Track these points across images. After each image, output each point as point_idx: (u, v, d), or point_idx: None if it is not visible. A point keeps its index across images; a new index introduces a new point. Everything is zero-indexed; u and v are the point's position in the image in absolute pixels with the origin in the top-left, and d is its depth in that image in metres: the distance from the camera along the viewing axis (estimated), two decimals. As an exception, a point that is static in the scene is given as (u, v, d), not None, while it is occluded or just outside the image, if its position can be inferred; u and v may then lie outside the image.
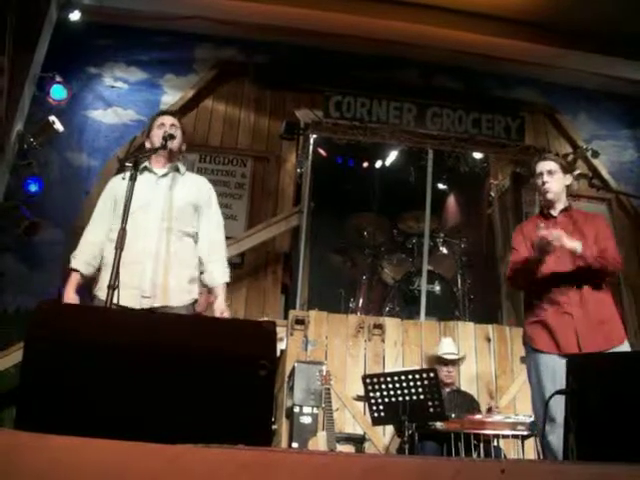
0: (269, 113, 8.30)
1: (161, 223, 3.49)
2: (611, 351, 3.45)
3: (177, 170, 3.73)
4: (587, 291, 3.57)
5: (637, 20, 6.57)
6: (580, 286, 3.57)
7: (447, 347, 5.59)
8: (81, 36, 7.08)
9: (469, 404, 5.22)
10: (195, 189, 3.72)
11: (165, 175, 3.66)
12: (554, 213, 3.81)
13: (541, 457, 3.94)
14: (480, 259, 8.31)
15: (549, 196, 3.77)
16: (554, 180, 3.75)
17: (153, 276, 3.37)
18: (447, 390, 5.28)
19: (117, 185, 3.71)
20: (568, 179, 3.82)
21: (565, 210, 3.81)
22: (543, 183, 3.76)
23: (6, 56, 5.94)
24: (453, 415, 4.71)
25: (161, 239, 3.45)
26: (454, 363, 5.42)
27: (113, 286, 3.01)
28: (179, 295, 3.45)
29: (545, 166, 3.78)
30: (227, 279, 3.63)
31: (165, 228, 3.49)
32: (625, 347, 3.52)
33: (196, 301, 3.58)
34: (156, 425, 1.88)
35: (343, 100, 7.44)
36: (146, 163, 3.66)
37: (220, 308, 3.50)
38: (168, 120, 3.77)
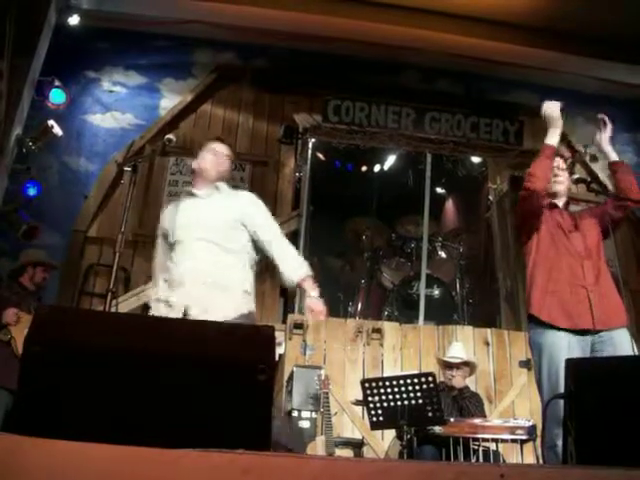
0: (268, 117, 8.30)
1: (204, 243, 3.49)
2: (616, 331, 3.49)
3: (217, 189, 3.72)
4: (602, 269, 3.68)
5: (636, 24, 6.59)
6: (595, 264, 3.67)
7: (453, 351, 5.55)
8: (80, 40, 7.07)
9: (472, 409, 5.17)
10: (237, 205, 3.69)
11: (205, 196, 3.66)
12: (559, 204, 3.90)
13: (540, 461, 3.93)
14: (479, 263, 8.31)
15: (559, 187, 3.88)
16: (564, 175, 3.90)
17: (201, 296, 3.36)
18: (453, 394, 5.24)
19: (164, 216, 3.76)
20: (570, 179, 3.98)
21: (567, 204, 3.94)
22: (555, 175, 3.86)
23: (5, 60, 5.93)
24: (452, 419, 4.71)
25: (205, 258, 3.46)
26: (459, 367, 5.38)
27: (112, 290, 3.03)
28: (232, 312, 3.40)
29: (557, 161, 3.90)
30: (303, 272, 3.59)
31: (207, 247, 3.49)
32: (626, 332, 3.53)
33: (250, 313, 3.52)
34: (155, 429, 1.88)
35: (342, 104, 7.46)
36: (189, 187, 3.74)
37: (310, 306, 3.48)
38: (221, 149, 3.78)
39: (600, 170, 7.99)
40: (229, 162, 3.82)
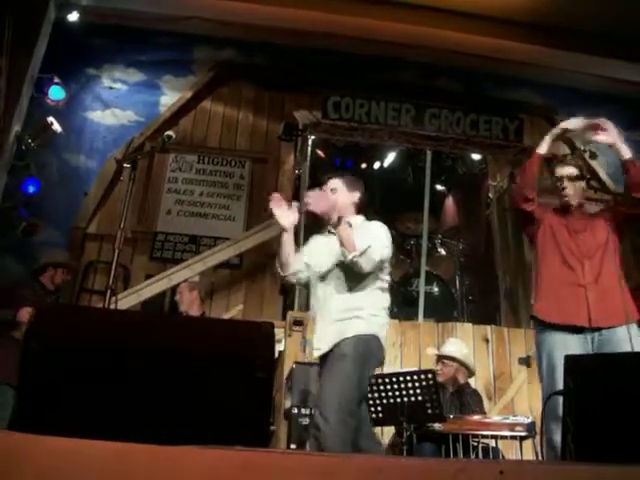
0: (267, 114, 8.31)
1: (330, 281, 3.70)
2: (623, 326, 3.48)
3: (349, 225, 3.70)
4: (604, 267, 3.68)
5: (636, 21, 6.58)
6: (598, 263, 3.68)
7: (443, 346, 5.56)
8: (79, 37, 7.05)
9: (472, 405, 5.15)
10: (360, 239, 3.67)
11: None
12: (571, 208, 3.90)
13: (540, 458, 3.94)
14: (478, 260, 8.31)
15: (566, 200, 3.88)
16: (573, 185, 3.87)
17: (329, 332, 3.56)
18: (452, 390, 5.24)
19: (307, 249, 3.91)
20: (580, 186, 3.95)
21: (580, 206, 3.93)
22: (563, 189, 3.87)
23: (4, 57, 5.93)
24: (452, 416, 4.71)
25: (336, 296, 3.64)
26: (443, 361, 5.36)
27: (111, 288, 3.04)
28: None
29: (565, 171, 3.90)
30: (359, 252, 3.56)
31: (340, 286, 3.66)
32: (627, 330, 3.50)
33: (364, 335, 3.59)
34: (155, 426, 1.88)
35: (341, 101, 7.44)
36: (330, 227, 3.80)
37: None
38: (333, 186, 3.82)
39: (599, 167, 7.99)
40: (346, 192, 3.84)
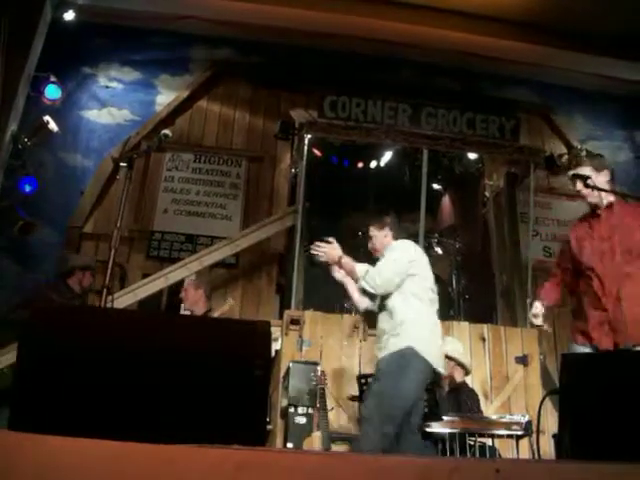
0: (264, 113, 8.30)
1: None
2: None
3: (382, 255, 4.32)
4: (627, 285, 3.55)
5: (632, 21, 6.59)
6: (619, 281, 3.57)
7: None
8: (76, 36, 7.04)
9: (469, 404, 5.16)
10: None
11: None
12: (599, 210, 3.78)
13: (536, 456, 3.95)
14: (475, 259, 8.32)
15: (589, 200, 3.80)
16: (588, 190, 3.75)
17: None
18: (447, 389, 5.23)
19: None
20: (605, 175, 3.80)
21: (609, 206, 3.77)
22: (578, 191, 3.78)
23: (0, 56, 5.92)
24: (448, 415, 4.70)
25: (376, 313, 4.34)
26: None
27: (108, 287, 3.05)
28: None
29: (577, 172, 3.79)
30: (361, 278, 4.13)
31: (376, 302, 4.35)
32: None
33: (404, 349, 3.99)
34: (151, 425, 1.88)
35: (338, 100, 7.44)
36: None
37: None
38: (371, 233, 4.42)
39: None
40: (378, 233, 4.40)
